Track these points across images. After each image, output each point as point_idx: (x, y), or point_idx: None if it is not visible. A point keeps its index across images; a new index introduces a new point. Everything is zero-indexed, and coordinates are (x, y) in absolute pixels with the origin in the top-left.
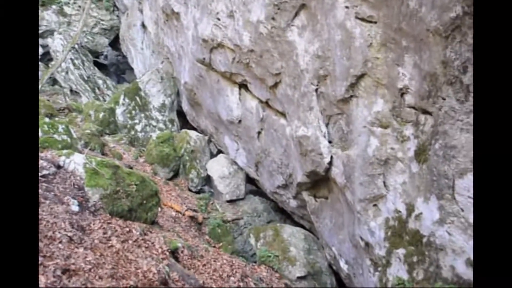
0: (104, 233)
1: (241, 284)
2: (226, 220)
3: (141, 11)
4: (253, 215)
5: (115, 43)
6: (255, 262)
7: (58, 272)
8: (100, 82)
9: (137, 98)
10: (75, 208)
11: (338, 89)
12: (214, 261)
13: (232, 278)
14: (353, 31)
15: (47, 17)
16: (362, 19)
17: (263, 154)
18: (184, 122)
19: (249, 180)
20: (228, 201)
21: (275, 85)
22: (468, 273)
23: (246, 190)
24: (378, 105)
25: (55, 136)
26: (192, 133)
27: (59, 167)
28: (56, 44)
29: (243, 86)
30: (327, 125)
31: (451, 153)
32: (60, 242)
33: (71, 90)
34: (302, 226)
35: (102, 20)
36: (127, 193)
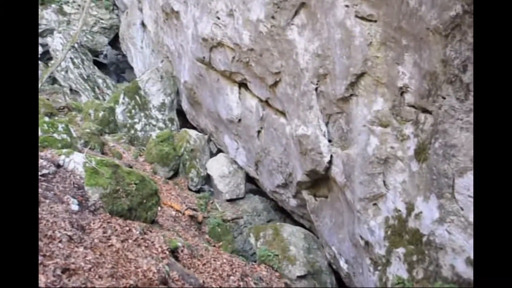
0: (104, 232)
1: (241, 283)
2: (226, 219)
3: (140, 10)
4: (253, 214)
5: (114, 42)
6: (255, 261)
7: (58, 272)
8: (99, 81)
9: (137, 97)
10: (75, 207)
11: (338, 88)
12: (214, 260)
13: (232, 277)
14: (353, 30)
15: (46, 16)
16: (362, 18)
17: (263, 153)
18: (184, 121)
19: (249, 179)
20: (228, 200)
21: (275, 84)
22: (468, 272)
23: (246, 189)
24: (378, 104)
25: (55, 135)
26: (192, 132)
27: (58, 166)
28: (55, 43)
29: (243, 85)
30: (327, 124)
31: (451, 152)
32: (60, 241)
33: (70, 89)
34: (302, 225)
35: (102, 19)
36: (127, 192)
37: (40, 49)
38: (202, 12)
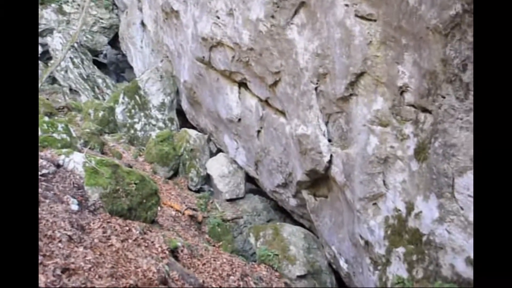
0: (104, 232)
1: (241, 283)
2: (225, 219)
3: (140, 9)
4: (253, 214)
5: (114, 42)
6: (254, 261)
7: (58, 271)
8: (99, 81)
9: (137, 97)
10: (74, 207)
11: (338, 87)
12: (214, 260)
13: (232, 277)
14: (352, 29)
15: (46, 15)
16: (362, 17)
17: (262, 152)
18: (184, 121)
19: (249, 179)
20: (227, 200)
21: (275, 83)
22: (467, 272)
23: (246, 189)
24: (378, 103)
25: (55, 135)
26: (192, 132)
27: (58, 166)
28: (55, 42)
29: (242, 84)
30: (326, 123)
31: (450, 151)
32: (60, 241)
33: (70, 89)
34: (302, 225)
35: (102, 18)
36: (126, 192)
37: (40, 49)
38: (201, 11)
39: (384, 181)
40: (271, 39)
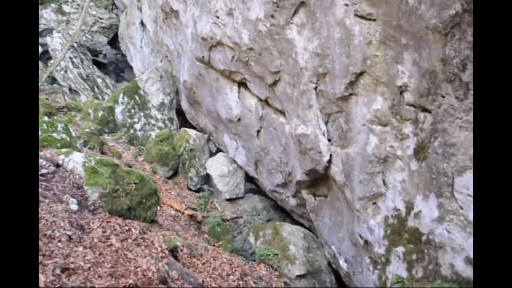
0: (104, 232)
1: (241, 282)
2: (225, 218)
3: (140, 9)
4: (253, 213)
5: (114, 42)
6: (254, 261)
7: (57, 271)
8: (99, 80)
9: (136, 97)
10: (74, 207)
11: (337, 87)
12: (214, 259)
13: (231, 276)
14: (352, 29)
15: (45, 15)
16: (361, 17)
17: (262, 152)
18: (183, 121)
19: (249, 178)
20: (227, 200)
21: (274, 83)
22: (467, 271)
23: (246, 189)
24: (377, 103)
25: (54, 135)
26: (192, 132)
27: (58, 166)
28: (55, 42)
29: (242, 84)
30: (326, 123)
31: (450, 151)
32: (59, 241)
33: (70, 89)
34: (302, 225)
35: (101, 18)
36: (126, 192)
37: (39, 49)
38: (201, 11)
39: (383, 181)
40: (271, 38)
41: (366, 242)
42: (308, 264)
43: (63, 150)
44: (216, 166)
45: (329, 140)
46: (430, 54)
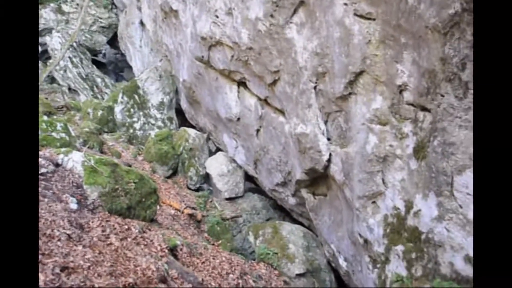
0: (103, 231)
1: (240, 281)
2: (225, 217)
3: (139, 8)
4: (252, 212)
5: (113, 41)
6: (254, 260)
7: (57, 270)
8: (98, 80)
9: (136, 96)
10: (73, 206)
11: (337, 86)
12: (213, 258)
13: (231, 275)
14: (351, 28)
15: (45, 15)
16: (361, 16)
17: (262, 151)
18: (183, 120)
19: (248, 177)
20: (227, 199)
21: (274, 82)
22: (466, 270)
23: (245, 188)
24: (377, 102)
25: (54, 134)
26: (191, 131)
27: (57, 165)
28: (54, 42)
29: (241, 83)
30: (325, 122)
31: (449, 150)
32: (59, 240)
33: (69, 88)
34: (301, 224)
35: (101, 18)
36: (125, 191)
37: (39, 48)
38: (201, 10)
39: (383, 180)
40: (270, 38)
41: (365, 241)
42: (307, 263)
43: (63, 149)
44: (215, 165)
45: (328, 139)
46: (430, 53)
